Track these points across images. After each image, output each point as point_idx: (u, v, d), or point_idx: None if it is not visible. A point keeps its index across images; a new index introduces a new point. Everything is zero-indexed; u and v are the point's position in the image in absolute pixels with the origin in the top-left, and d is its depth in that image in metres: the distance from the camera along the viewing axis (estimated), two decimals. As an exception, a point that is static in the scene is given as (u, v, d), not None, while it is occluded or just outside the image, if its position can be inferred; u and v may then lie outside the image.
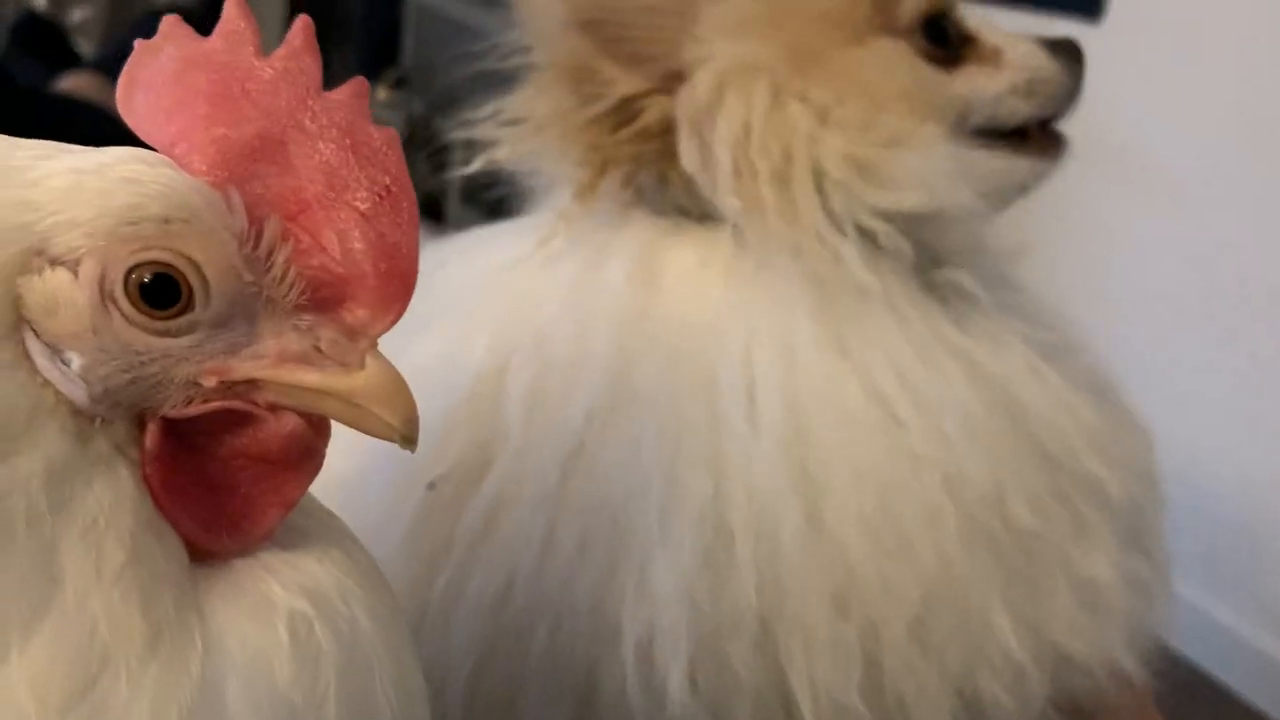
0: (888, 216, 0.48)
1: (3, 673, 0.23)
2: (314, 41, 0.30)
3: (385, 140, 0.29)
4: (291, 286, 0.28)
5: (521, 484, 0.45)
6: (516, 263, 0.52)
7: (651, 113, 0.49)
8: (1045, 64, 0.54)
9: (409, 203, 0.29)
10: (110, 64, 1.22)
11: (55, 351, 0.26)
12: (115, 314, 0.26)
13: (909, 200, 0.48)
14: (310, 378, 0.28)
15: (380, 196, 0.28)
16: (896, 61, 0.51)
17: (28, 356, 0.26)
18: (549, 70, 0.51)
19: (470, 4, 2.11)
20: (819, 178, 0.48)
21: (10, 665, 0.23)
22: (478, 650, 0.45)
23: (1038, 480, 0.47)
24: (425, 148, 2.76)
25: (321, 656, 0.27)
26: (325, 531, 0.31)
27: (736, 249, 0.49)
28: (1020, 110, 0.53)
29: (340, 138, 0.29)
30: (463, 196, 2.18)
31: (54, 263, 0.26)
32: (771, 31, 0.49)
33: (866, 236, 0.48)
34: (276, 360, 0.28)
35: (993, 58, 0.53)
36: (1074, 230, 0.96)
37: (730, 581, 0.43)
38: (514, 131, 0.52)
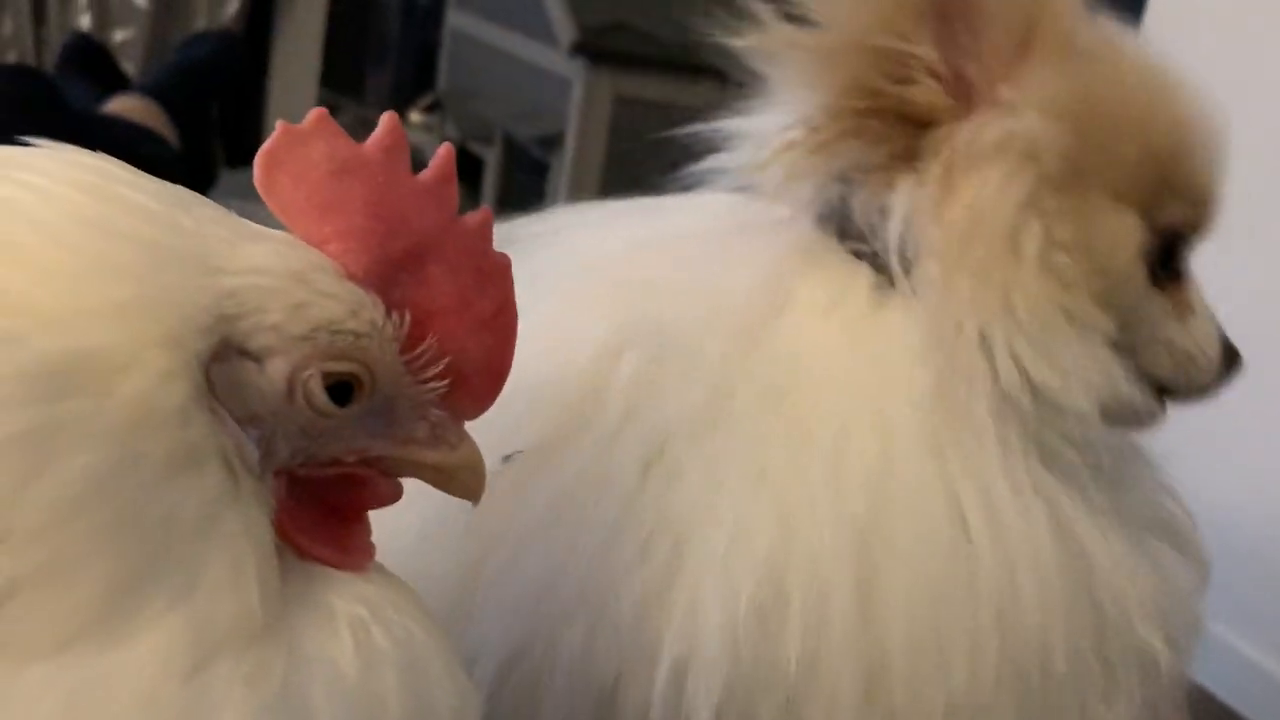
0: (1028, 377, 0.46)
1: (141, 640, 0.27)
2: (454, 170, 0.35)
3: (502, 265, 0.35)
4: (431, 386, 0.33)
5: (598, 476, 0.45)
6: (646, 244, 0.51)
7: (922, 93, 0.47)
8: (1213, 357, 0.52)
9: (514, 318, 0.34)
10: (159, 88, 1.24)
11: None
12: (301, 404, 0.31)
13: (1053, 382, 0.46)
14: (430, 456, 0.34)
15: (495, 313, 0.34)
16: (1131, 247, 0.49)
17: (215, 412, 0.30)
18: None
19: (506, 29, 2.13)
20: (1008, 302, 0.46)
21: (147, 635, 0.27)
22: (515, 638, 0.45)
23: (1085, 638, 0.46)
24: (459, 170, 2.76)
25: (381, 656, 0.30)
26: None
27: (870, 304, 0.48)
28: (1163, 372, 0.52)
29: (470, 260, 0.34)
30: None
31: (242, 354, 0.30)
32: (1071, 135, 0.47)
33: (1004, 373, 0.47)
34: (404, 442, 0.33)
35: (1183, 312, 0.52)
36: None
37: (775, 641, 0.43)
38: (793, 31, 0.49)
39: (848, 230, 0.49)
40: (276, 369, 0.30)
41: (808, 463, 0.44)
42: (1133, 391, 0.50)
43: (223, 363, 0.29)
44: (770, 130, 0.50)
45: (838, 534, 0.43)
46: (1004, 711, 0.44)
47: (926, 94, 0.47)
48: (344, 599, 0.31)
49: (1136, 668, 0.48)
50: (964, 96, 0.47)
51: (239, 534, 0.29)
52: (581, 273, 0.51)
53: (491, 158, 2.31)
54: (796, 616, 0.43)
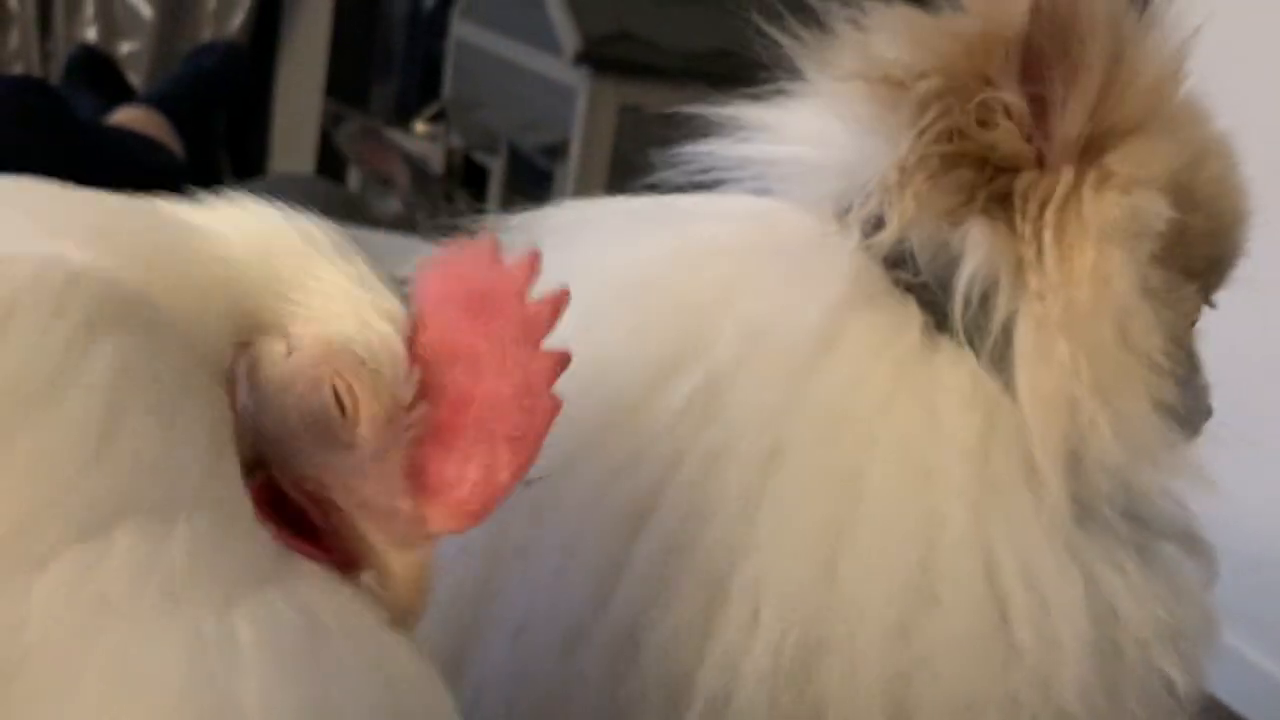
0: (1105, 458, 0.46)
1: (233, 613, 0.28)
2: (558, 317, 0.35)
3: (551, 408, 0.34)
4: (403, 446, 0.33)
5: (634, 507, 0.44)
6: (684, 258, 0.50)
7: (1005, 139, 0.46)
8: (1204, 411, 0.52)
9: (531, 458, 0.34)
10: (164, 100, 1.25)
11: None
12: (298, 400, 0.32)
13: (1129, 463, 0.46)
14: (376, 536, 0.33)
15: (515, 440, 0.34)
16: (1192, 316, 0.50)
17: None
18: (962, 26, 0.47)
19: (510, 39, 2.14)
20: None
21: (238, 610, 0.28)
22: (523, 666, 0.45)
23: (1105, 685, 0.46)
24: (463, 180, 2.78)
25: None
26: None
27: (921, 346, 0.47)
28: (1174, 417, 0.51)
29: (521, 387, 0.34)
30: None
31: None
32: (1175, 213, 0.47)
33: None
34: (360, 502, 0.33)
35: (1194, 367, 0.52)
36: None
37: (815, 686, 0.42)
38: (865, 55, 0.48)
39: (896, 259, 0.48)
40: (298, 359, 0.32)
41: (857, 507, 0.44)
42: (1180, 447, 0.50)
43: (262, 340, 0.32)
44: (847, 159, 0.50)
45: (883, 582, 0.43)
46: None
47: (1009, 140, 0.46)
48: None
49: (1148, 697, 0.47)
50: (1046, 145, 0.47)
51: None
52: (615, 285, 0.49)
53: (496, 167, 2.31)
54: (836, 662, 0.42)
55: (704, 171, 0.53)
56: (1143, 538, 0.49)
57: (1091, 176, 0.46)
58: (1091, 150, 0.47)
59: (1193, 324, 0.51)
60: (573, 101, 1.81)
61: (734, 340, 0.46)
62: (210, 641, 0.27)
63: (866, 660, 0.43)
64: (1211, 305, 0.53)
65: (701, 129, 0.53)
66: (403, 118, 2.81)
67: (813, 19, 0.49)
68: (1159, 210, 0.46)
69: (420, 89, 2.83)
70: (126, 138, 1.10)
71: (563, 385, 0.45)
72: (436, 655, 0.35)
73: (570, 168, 1.81)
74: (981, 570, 0.44)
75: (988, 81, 0.46)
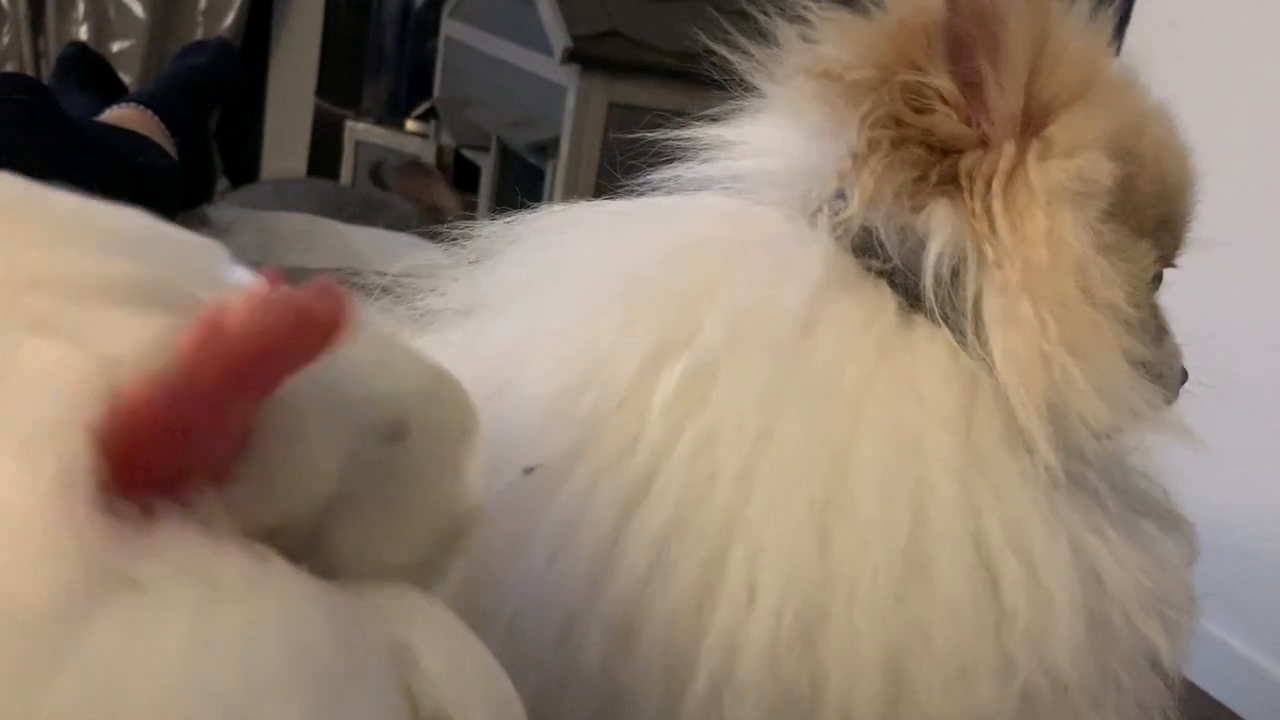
0: (1087, 418, 0.47)
1: None
2: None
3: None
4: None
5: (632, 492, 0.44)
6: (668, 252, 0.50)
7: (942, 123, 0.48)
8: (1175, 373, 0.54)
9: None
10: (155, 97, 1.25)
11: None
12: None
13: (1111, 421, 0.47)
14: None
15: None
16: (1149, 276, 0.51)
17: None
18: (888, 18, 0.49)
19: (500, 38, 2.15)
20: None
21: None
22: (524, 652, 0.45)
23: (1092, 652, 0.46)
24: (454, 178, 2.78)
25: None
26: None
27: (899, 324, 0.48)
28: (1141, 384, 0.52)
29: None
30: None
31: None
32: (1121, 173, 0.49)
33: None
34: None
35: (1160, 333, 0.54)
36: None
37: (816, 658, 0.43)
38: (808, 54, 0.50)
39: (866, 247, 0.49)
40: None
41: (847, 481, 0.44)
42: (1155, 400, 0.51)
43: None
44: (802, 150, 0.51)
45: (876, 552, 0.44)
46: None
47: (946, 123, 0.48)
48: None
49: (1134, 667, 0.48)
50: (986, 124, 0.48)
51: None
52: (603, 281, 0.50)
53: (487, 165, 2.32)
54: (834, 632, 0.43)
55: (672, 194, 0.55)
56: (1125, 510, 0.50)
57: (1034, 148, 0.48)
58: (1031, 124, 0.48)
59: (1153, 281, 0.52)
60: (563, 99, 1.81)
61: (720, 328, 0.46)
62: None
63: (863, 629, 0.43)
64: (1172, 266, 0.54)
65: (687, 126, 0.54)
66: (394, 116, 2.82)
67: (758, 30, 0.51)
68: (1103, 169, 0.48)
69: (411, 87, 2.84)
70: (118, 136, 1.10)
71: (560, 379, 0.46)
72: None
73: (560, 165, 1.82)
74: (970, 537, 0.44)
75: (916, 68, 0.47)
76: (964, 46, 0.47)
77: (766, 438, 0.45)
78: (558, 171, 1.83)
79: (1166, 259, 0.54)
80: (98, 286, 0.26)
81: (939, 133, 0.48)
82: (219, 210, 1.50)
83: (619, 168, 0.55)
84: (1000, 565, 0.44)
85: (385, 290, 0.58)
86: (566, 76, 1.80)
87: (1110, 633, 0.47)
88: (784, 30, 0.51)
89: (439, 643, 0.30)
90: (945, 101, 0.48)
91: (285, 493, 0.28)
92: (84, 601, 0.23)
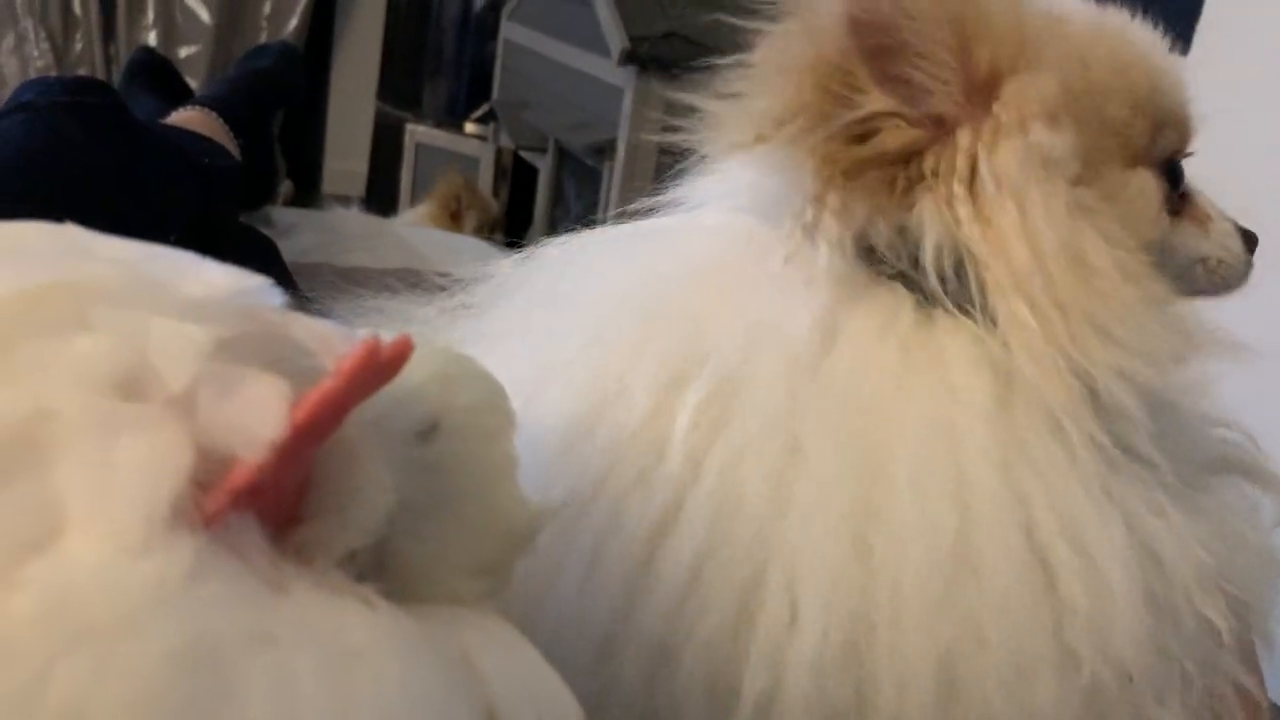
0: (1132, 382, 0.45)
1: None
2: None
3: None
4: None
5: (661, 517, 0.44)
6: (680, 276, 0.50)
7: (892, 137, 0.46)
8: (1239, 250, 0.53)
9: None
10: (220, 100, 1.27)
11: None
12: None
13: (1152, 375, 0.46)
14: None
15: None
16: (1155, 201, 0.50)
17: None
18: (799, 61, 0.47)
19: (559, 40, 2.16)
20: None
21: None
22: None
23: (1154, 639, 0.44)
24: (512, 179, 2.79)
25: None
26: None
27: (918, 323, 0.47)
28: (1199, 283, 0.52)
29: None
30: (547, 226, 2.22)
31: None
32: (1076, 129, 0.47)
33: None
34: None
35: (1204, 223, 0.52)
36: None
37: (865, 670, 0.42)
38: (741, 119, 0.49)
39: (869, 254, 0.48)
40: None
41: (885, 486, 0.43)
42: (1196, 326, 0.49)
43: None
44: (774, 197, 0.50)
45: (920, 556, 0.42)
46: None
47: (894, 137, 0.46)
48: None
49: (1198, 651, 0.46)
50: (937, 117, 0.47)
51: None
52: (613, 308, 0.50)
53: (544, 166, 2.33)
54: (882, 642, 0.42)
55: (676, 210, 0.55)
56: (1188, 475, 0.48)
57: (985, 133, 0.46)
58: (977, 107, 0.47)
59: (1163, 202, 0.50)
60: (620, 101, 1.81)
61: (734, 349, 0.46)
62: None
63: (912, 636, 0.42)
64: (1186, 155, 0.52)
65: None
66: (453, 118, 2.85)
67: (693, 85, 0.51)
68: (1053, 138, 0.46)
69: (470, 90, 2.86)
70: (183, 137, 1.12)
71: (575, 407, 0.45)
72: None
73: (617, 166, 1.82)
74: (1019, 529, 0.43)
75: (845, 99, 0.46)
76: (883, 57, 0.45)
77: (794, 452, 0.44)
78: (614, 173, 1.83)
79: (1178, 152, 0.51)
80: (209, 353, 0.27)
81: (890, 149, 0.46)
82: (281, 211, 1.52)
83: (675, 169, 0.55)
84: (1054, 556, 0.43)
85: (447, 290, 0.58)
86: (623, 78, 1.80)
87: (1173, 617, 0.45)
88: (711, 104, 0.50)
89: (496, 650, 0.30)
90: (892, 116, 0.46)
91: (355, 516, 0.28)
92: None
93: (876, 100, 0.46)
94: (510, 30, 2.47)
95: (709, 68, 0.50)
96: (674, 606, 0.43)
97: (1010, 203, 0.45)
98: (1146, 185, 0.49)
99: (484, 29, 2.79)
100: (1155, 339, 0.46)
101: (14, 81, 2.36)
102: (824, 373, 0.45)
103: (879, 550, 0.43)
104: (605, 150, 1.90)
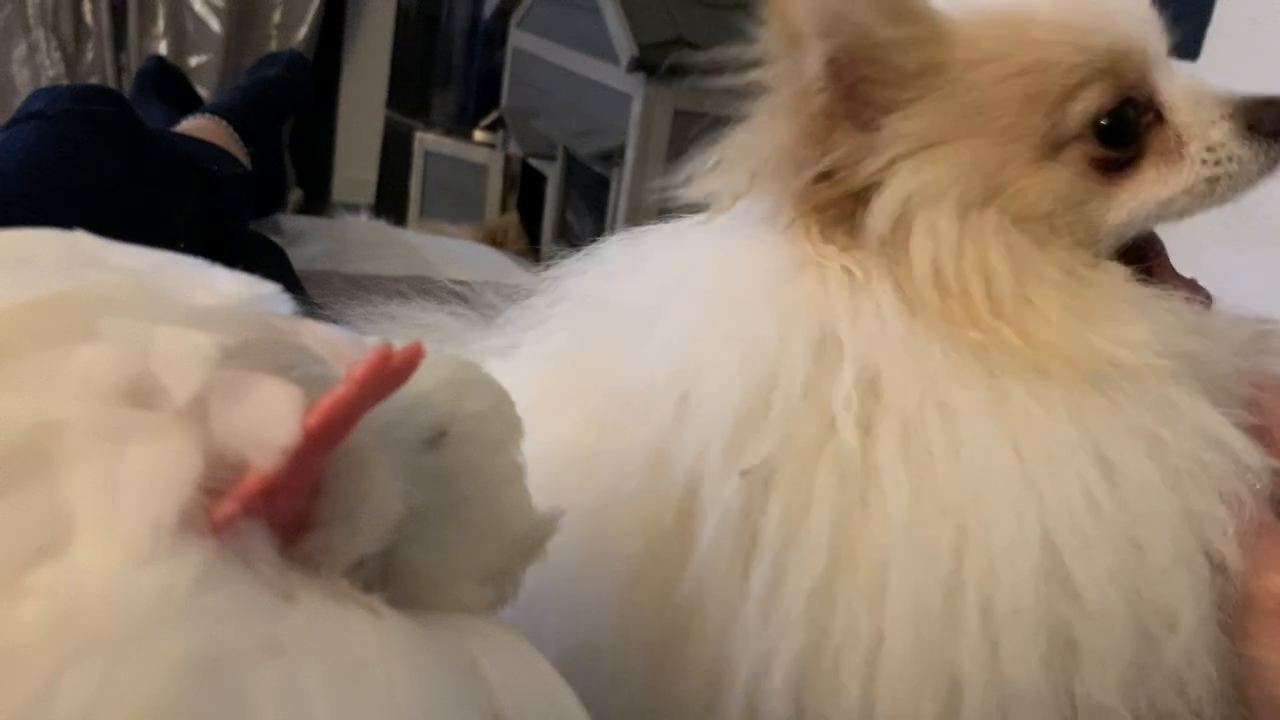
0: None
1: None
2: None
3: None
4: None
5: (687, 519, 0.44)
6: (678, 289, 0.50)
7: (860, 177, 0.46)
8: (1234, 153, 0.47)
9: None
10: (229, 108, 1.28)
11: None
12: None
13: (1150, 358, 0.44)
14: None
15: None
16: (1061, 189, 0.46)
17: None
18: (777, 101, 0.47)
19: (568, 48, 2.16)
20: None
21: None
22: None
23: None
24: (521, 187, 2.79)
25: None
26: None
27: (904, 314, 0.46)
28: (1191, 208, 0.48)
29: None
30: (555, 233, 2.22)
31: None
32: (968, 149, 0.45)
33: None
34: None
35: (1175, 147, 0.47)
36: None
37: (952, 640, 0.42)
38: (731, 164, 0.50)
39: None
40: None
41: (1034, 426, 0.43)
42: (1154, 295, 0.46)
43: None
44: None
45: (1022, 530, 0.42)
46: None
47: (853, 176, 0.46)
48: None
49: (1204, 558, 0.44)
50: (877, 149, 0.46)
51: None
52: (609, 318, 0.50)
53: (553, 173, 2.33)
54: (973, 608, 0.41)
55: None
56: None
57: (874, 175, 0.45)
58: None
59: (1085, 180, 0.46)
60: (628, 108, 1.81)
61: (806, 351, 0.45)
62: None
63: (1023, 612, 0.41)
64: (1137, 95, 0.47)
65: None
66: (463, 126, 2.85)
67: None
68: (935, 172, 0.45)
69: (479, 98, 2.87)
70: (192, 145, 1.13)
71: (742, 381, 0.44)
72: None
73: (625, 173, 1.82)
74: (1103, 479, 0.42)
75: (820, 143, 0.46)
76: (857, 95, 0.45)
77: (943, 410, 0.43)
78: (623, 179, 1.83)
79: (1111, 102, 0.46)
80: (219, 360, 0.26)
81: (851, 188, 0.46)
82: (290, 219, 1.53)
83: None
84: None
85: (458, 297, 0.58)
86: (632, 85, 1.80)
87: (1191, 525, 0.43)
88: (720, 151, 0.50)
89: (503, 658, 0.30)
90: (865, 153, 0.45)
91: (364, 523, 0.28)
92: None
93: (845, 140, 0.45)
94: (519, 38, 2.48)
95: (723, 94, 0.50)
96: (881, 570, 0.42)
97: (908, 244, 0.45)
98: (1051, 180, 0.46)
99: (492, 37, 2.80)
100: (1119, 328, 0.44)
101: (26, 90, 2.37)
102: (843, 368, 0.45)
103: (975, 533, 0.42)
104: (614, 157, 1.90)
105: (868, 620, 0.42)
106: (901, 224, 0.45)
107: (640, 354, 0.47)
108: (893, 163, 0.45)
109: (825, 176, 0.46)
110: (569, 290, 0.55)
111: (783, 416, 0.43)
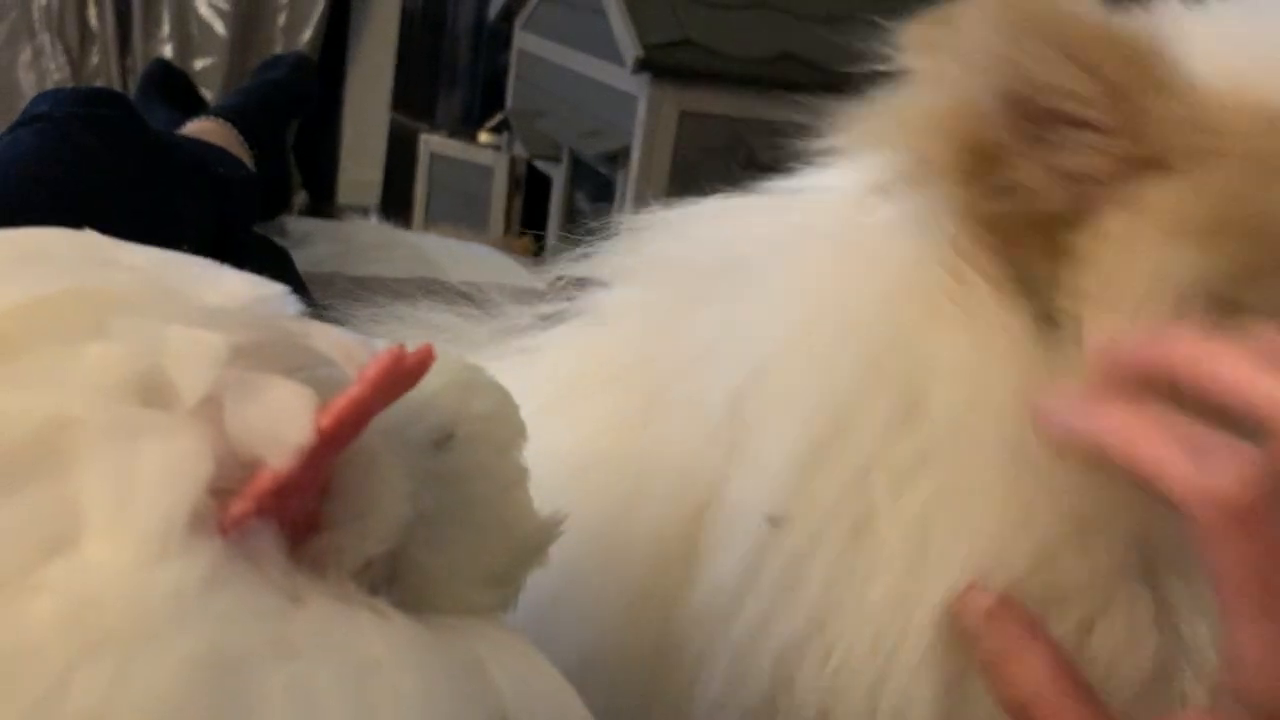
0: None
1: None
2: None
3: None
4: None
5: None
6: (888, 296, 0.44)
7: (1035, 200, 0.40)
8: None
9: None
10: (234, 111, 1.28)
11: None
12: None
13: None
14: None
15: None
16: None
17: None
18: (943, 118, 0.41)
19: (572, 49, 2.16)
20: None
21: None
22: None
23: None
24: (526, 188, 2.79)
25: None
26: None
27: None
28: None
29: None
30: (561, 235, 2.22)
31: None
32: (1234, 251, 0.38)
33: None
34: None
35: None
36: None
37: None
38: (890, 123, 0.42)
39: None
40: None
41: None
42: None
43: None
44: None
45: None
46: None
47: (1047, 201, 0.40)
48: None
49: None
50: (1081, 189, 0.40)
51: None
52: (683, 301, 0.48)
53: (558, 175, 2.33)
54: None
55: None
56: None
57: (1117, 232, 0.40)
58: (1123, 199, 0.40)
59: None
60: (633, 109, 1.81)
61: (889, 419, 0.42)
62: None
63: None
64: None
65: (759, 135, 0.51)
66: (468, 128, 2.85)
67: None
68: (1195, 264, 0.39)
69: (484, 100, 2.87)
70: (197, 148, 1.13)
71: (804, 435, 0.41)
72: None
73: (631, 175, 1.82)
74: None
75: (991, 162, 0.41)
76: (1038, 122, 0.40)
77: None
78: (628, 181, 1.83)
79: None
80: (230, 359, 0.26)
81: (1033, 210, 0.41)
82: (295, 221, 1.53)
83: (689, 177, 0.53)
84: None
85: (465, 298, 0.58)
86: (637, 86, 1.80)
87: None
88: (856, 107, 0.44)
89: (509, 661, 0.30)
90: (1039, 179, 0.40)
91: (373, 524, 0.28)
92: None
93: (1024, 165, 0.40)
94: (523, 40, 2.48)
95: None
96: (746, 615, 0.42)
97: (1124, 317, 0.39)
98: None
99: (497, 39, 2.80)
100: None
101: (31, 94, 2.37)
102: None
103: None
104: (619, 158, 1.90)
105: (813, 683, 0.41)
106: (1145, 298, 0.38)
107: (703, 362, 0.45)
108: (1156, 232, 0.39)
109: (1003, 191, 0.41)
110: (632, 264, 0.52)
111: (828, 487, 0.41)
